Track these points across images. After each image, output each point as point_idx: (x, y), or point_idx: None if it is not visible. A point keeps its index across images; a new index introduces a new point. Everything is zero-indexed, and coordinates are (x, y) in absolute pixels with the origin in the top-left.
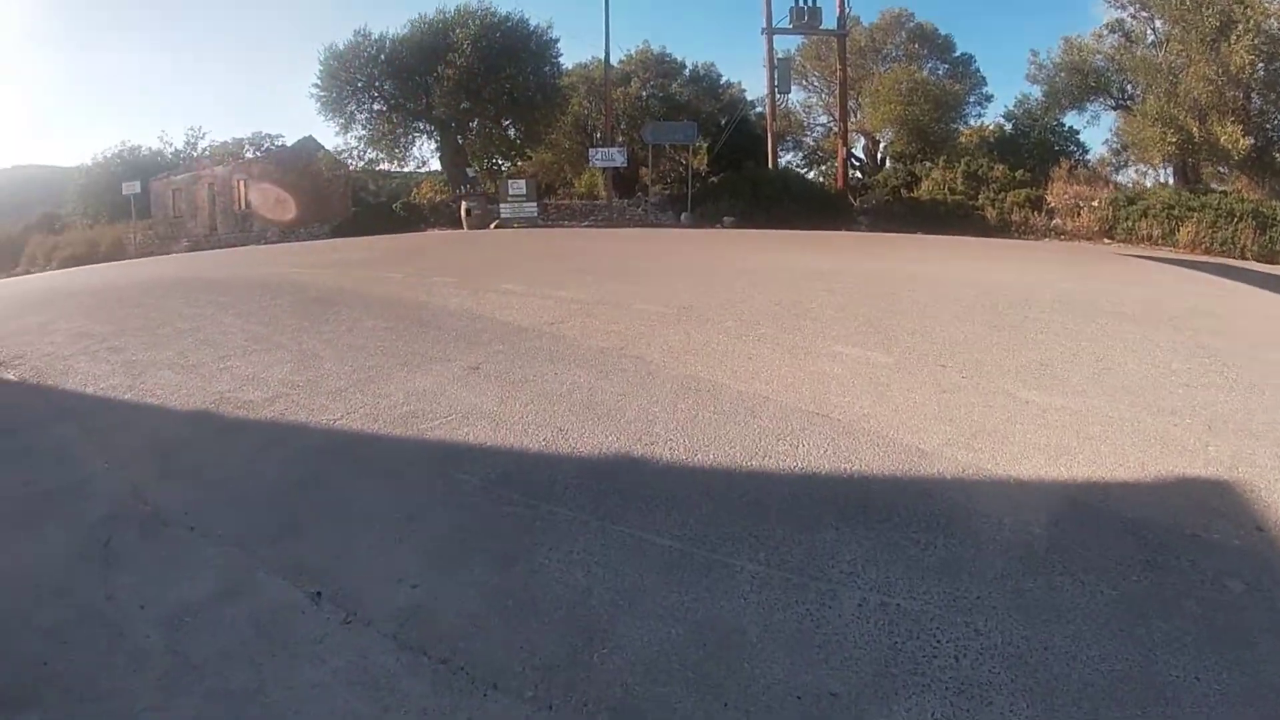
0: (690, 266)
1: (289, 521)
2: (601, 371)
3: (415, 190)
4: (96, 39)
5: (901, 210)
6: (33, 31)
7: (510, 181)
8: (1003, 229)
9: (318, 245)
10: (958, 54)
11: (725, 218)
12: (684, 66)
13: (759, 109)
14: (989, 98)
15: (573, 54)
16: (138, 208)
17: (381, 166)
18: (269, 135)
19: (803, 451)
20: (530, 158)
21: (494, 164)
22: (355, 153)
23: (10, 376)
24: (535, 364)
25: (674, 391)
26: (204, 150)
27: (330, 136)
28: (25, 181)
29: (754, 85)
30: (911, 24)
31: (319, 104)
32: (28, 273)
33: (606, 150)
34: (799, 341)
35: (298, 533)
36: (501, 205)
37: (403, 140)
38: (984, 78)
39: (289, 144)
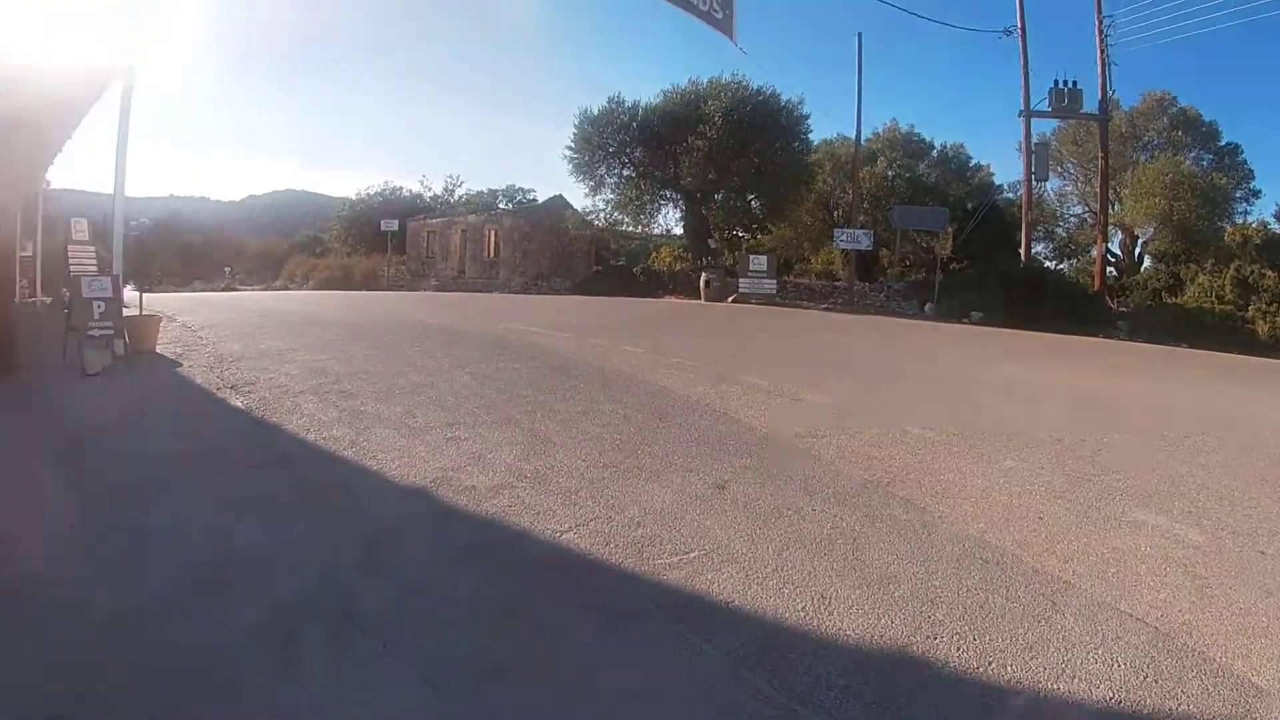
0: (944, 373)
1: (489, 660)
2: (867, 515)
3: (654, 255)
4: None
5: (1164, 318)
6: (310, 68)
7: (751, 256)
8: (1275, 347)
9: (560, 302)
10: (1223, 143)
11: (973, 313)
12: (932, 147)
13: (1008, 194)
14: (1257, 193)
15: (819, 129)
16: (393, 243)
17: (625, 228)
18: (520, 189)
19: (1118, 674)
20: (771, 231)
21: (734, 235)
22: (602, 215)
23: (238, 404)
24: (788, 492)
25: (956, 559)
26: (460, 197)
27: (579, 197)
28: (292, 205)
29: (1003, 169)
30: (1174, 109)
31: (571, 165)
32: (285, 287)
33: (852, 231)
34: (1092, 499)
35: (499, 678)
36: (740, 280)
37: (649, 207)
38: (1251, 170)
39: (539, 200)
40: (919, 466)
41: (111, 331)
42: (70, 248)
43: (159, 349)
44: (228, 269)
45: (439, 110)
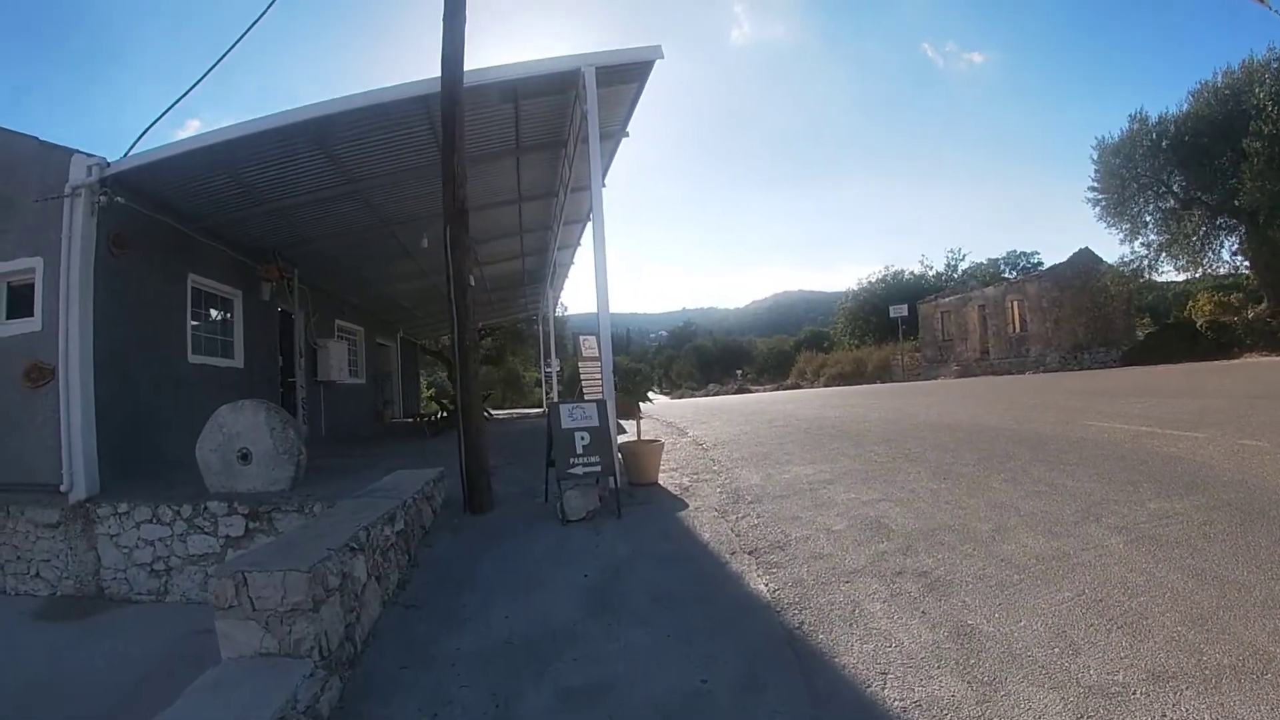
0: None
1: None
2: None
3: (1191, 303)
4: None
5: None
6: (807, 174)
7: None
8: None
9: (1123, 378)
10: None
11: None
12: None
13: None
14: None
15: None
16: (904, 329)
17: (1164, 276)
18: (1023, 254)
19: None
20: None
21: None
22: (1145, 262)
23: (760, 587)
24: None
25: None
26: (963, 273)
27: (1111, 245)
28: (792, 304)
29: None
30: None
31: (1099, 209)
32: (796, 385)
33: None
34: None
35: None
36: None
37: (1205, 242)
38: None
39: (1045, 264)
40: None
41: (599, 468)
42: (581, 365)
43: (661, 479)
44: (739, 371)
45: (931, 191)
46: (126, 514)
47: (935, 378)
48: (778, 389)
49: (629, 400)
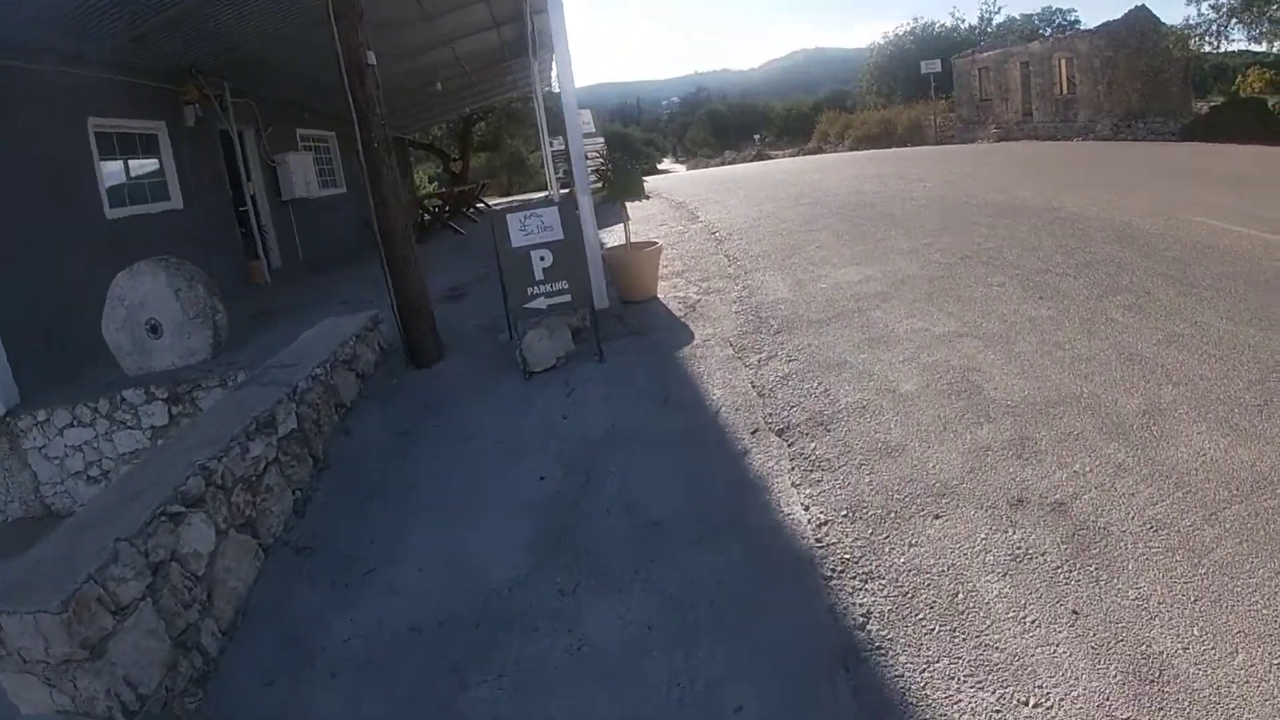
0: None
1: None
2: None
3: (1240, 79)
4: None
5: None
6: None
7: None
8: None
9: (1195, 155)
10: None
11: None
12: None
13: None
14: None
15: None
16: (936, 87)
17: (1234, 44)
18: (1059, 11)
19: None
20: None
21: None
22: (1215, 26)
23: (799, 515)
24: None
25: None
26: (997, 27)
27: (1170, 6)
28: (811, 63)
29: None
30: None
31: None
32: (819, 149)
33: None
34: None
35: None
36: None
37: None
38: None
39: (1102, 20)
40: None
41: (567, 297)
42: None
43: (663, 290)
44: (756, 136)
45: None
46: (47, 422)
47: (972, 140)
48: (799, 154)
49: (613, 197)
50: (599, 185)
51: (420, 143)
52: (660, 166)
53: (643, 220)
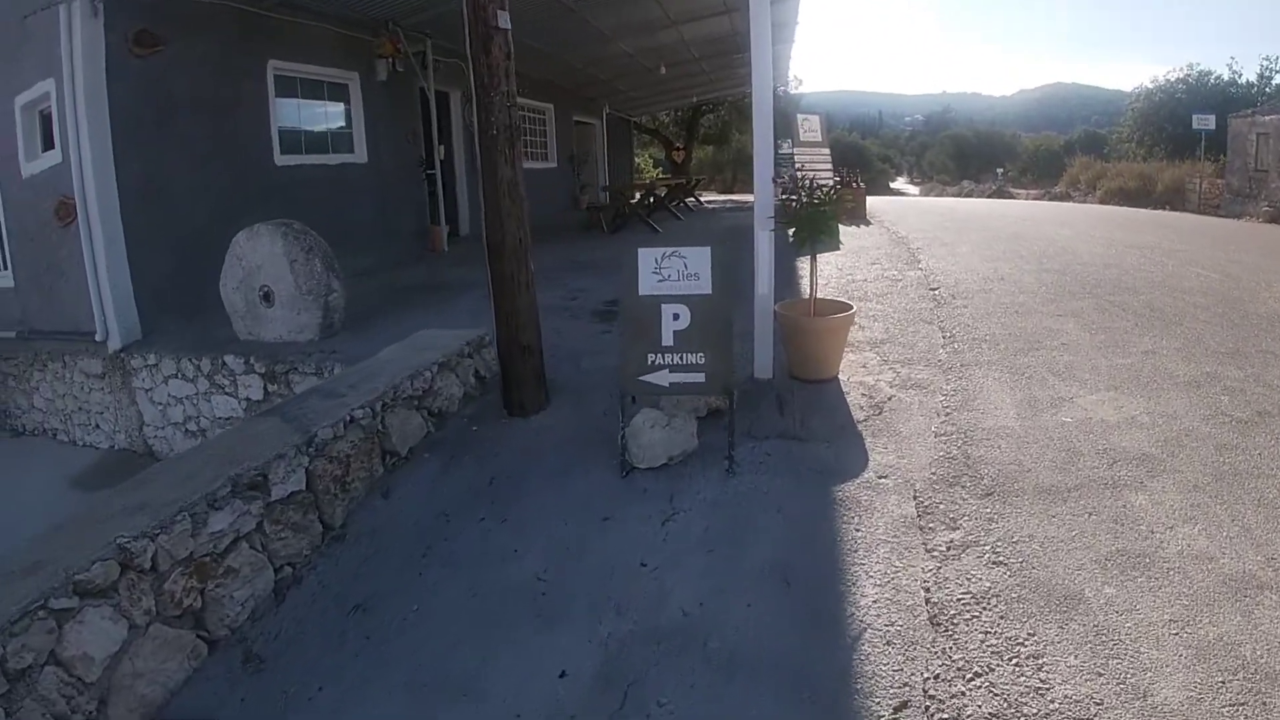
0: None
1: None
2: None
3: None
4: None
5: None
6: None
7: None
8: None
9: None
10: None
11: None
12: None
13: None
14: None
15: None
16: (1206, 147)
17: None
18: None
19: None
20: None
21: None
22: None
23: None
24: None
25: None
26: (1275, 88)
27: None
28: (1064, 98)
29: None
30: None
31: None
32: (1068, 195)
33: None
34: None
35: None
36: None
37: None
38: None
39: None
40: None
41: (701, 376)
42: (797, 151)
43: (844, 372)
44: (999, 170)
45: None
46: (155, 367)
47: (1239, 216)
48: (1044, 197)
49: (797, 244)
50: (786, 223)
51: (646, 127)
52: (892, 185)
53: (854, 252)
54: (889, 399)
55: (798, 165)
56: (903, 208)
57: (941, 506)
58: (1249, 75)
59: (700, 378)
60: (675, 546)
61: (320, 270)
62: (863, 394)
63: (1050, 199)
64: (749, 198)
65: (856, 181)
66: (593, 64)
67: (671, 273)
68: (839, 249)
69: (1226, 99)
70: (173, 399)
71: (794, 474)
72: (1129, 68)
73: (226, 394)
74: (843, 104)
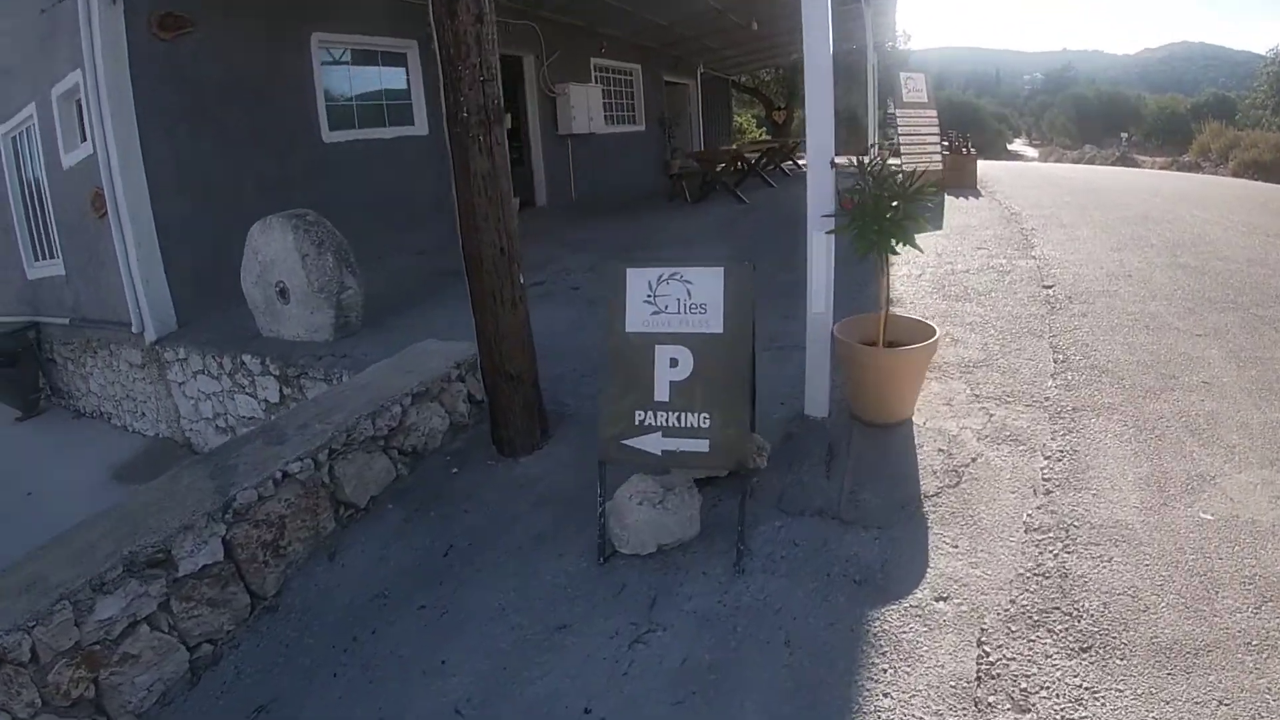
0: None
1: None
2: None
3: None
4: None
5: None
6: None
7: None
8: None
9: None
10: None
11: None
12: None
13: None
14: None
15: None
16: None
17: None
18: None
19: None
20: None
21: None
22: None
23: None
24: None
25: None
26: None
27: None
28: (1190, 58)
29: None
30: None
31: None
32: (1197, 166)
33: None
34: None
35: None
36: None
37: None
38: None
39: None
40: None
41: (704, 445)
42: (900, 113)
43: (921, 412)
44: (1124, 134)
45: None
46: (184, 361)
47: None
48: (1171, 166)
49: (861, 250)
50: (842, 228)
51: (746, 86)
52: (1010, 148)
53: (959, 232)
54: (973, 460)
55: (901, 129)
56: (1019, 175)
57: (1014, 665)
58: None
59: (703, 446)
60: (637, 687)
61: (332, 266)
62: (940, 449)
63: (1179, 169)
64: (854, 158)
65: (967, 147)
66: (679, 22)
67: (669, 302)
68: (941, 229)
69: None
70: (202, 394)
71: (822, 579)
72: (1260, 25)
73: (247, 394)
74: (955, 60)
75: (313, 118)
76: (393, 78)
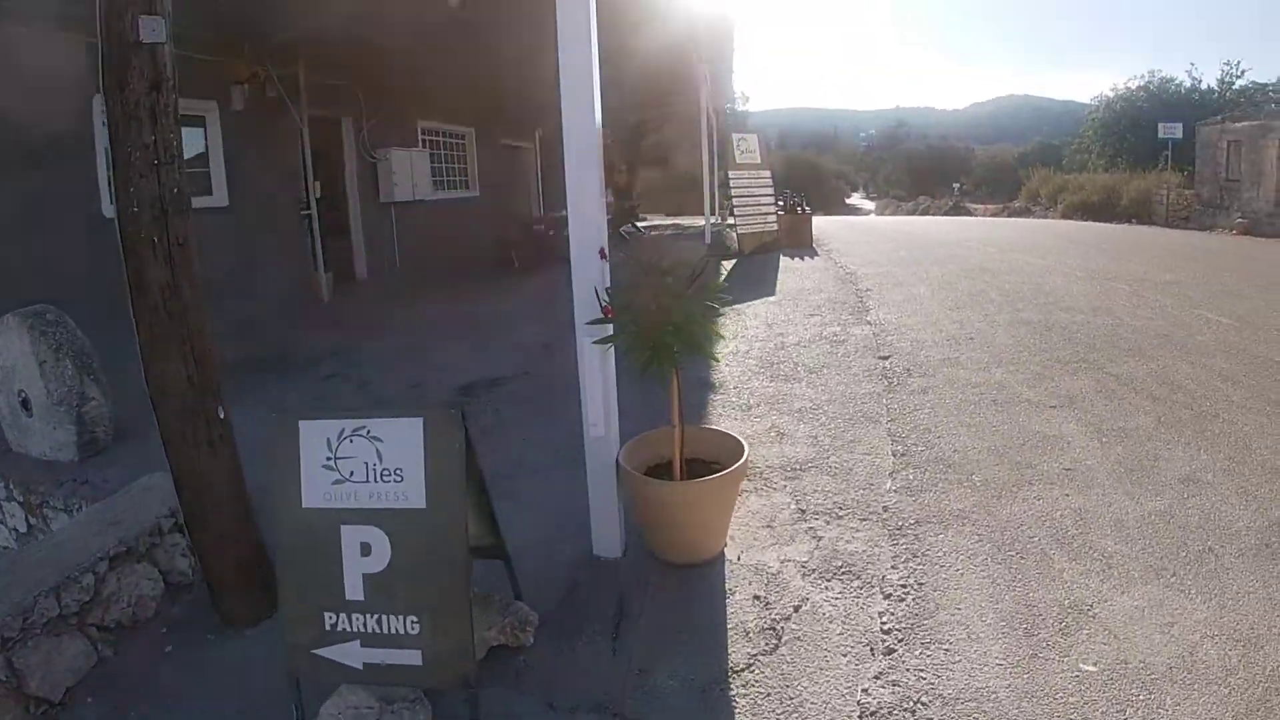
0: None
1: None
2: None
3: None
4: None
5: None
6: None
7: None
8: None
9: None
10: None
11: None
12: None
13: None
14: None
15: None
16: (1172, 156)
17: None
18: None
19: None
20: None
21: None
22: None
23: None
24: None
25: None
26: (1235, 91)
27: None
28: (1016, 110)
29: None
30: None
31: None
32: (1027, 211)
33: None
34: None
35: None
36: None
37: None
38: None
39: None
40: None
41: (417, 656)
42: (733, 175)
43: (734, 544)
44: (955, 185)
45: None
46: None
47: (1210, 228)
48: (1003, 213)
49: (639, 367)
50: (609, 338)
51: None
52: (848, 201)
53: (792, 297)
54: (796, 608)
55: (734, 192)
56: (856, 230)
57: None
58: (1209, 80)
59: (414, 658)
60: None
61: (72, 374)
62: (756, 595)
63: (1010, 214)
64: (698, 220)
65: (802, 206)
66: (515, 87)
67: (355, 466)
68: (773, 295)
69: (1190, 107)
70: None
71: None
72: (1079, 77)
73: None
74: (799, 120)
75: (92, 191)
76: (190, 142)
